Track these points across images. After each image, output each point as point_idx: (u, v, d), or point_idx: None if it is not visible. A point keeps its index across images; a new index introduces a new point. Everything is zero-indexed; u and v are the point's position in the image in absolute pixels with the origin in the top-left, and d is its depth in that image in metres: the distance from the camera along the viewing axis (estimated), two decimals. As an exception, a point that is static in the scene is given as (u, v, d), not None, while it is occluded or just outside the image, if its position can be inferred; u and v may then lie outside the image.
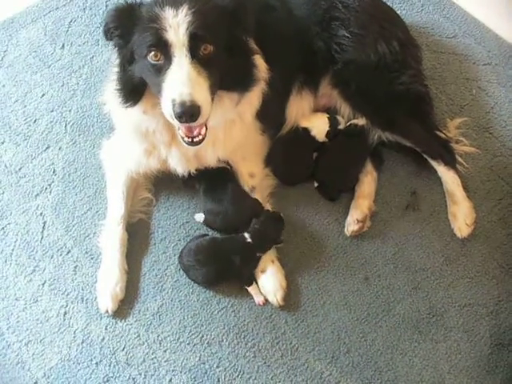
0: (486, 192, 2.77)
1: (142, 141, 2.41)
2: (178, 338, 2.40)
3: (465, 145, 2.82)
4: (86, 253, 2.57)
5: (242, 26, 2.10)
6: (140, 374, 2.33)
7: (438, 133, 2.74)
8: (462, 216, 2.64)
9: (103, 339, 2.39)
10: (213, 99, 2.05)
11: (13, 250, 2.58)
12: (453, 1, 3.36)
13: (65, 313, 2.44)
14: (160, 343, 2.39)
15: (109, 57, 3.02)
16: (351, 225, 2.61)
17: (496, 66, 3.14)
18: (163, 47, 1.96)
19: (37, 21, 3.23)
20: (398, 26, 2.77)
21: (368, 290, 2.53)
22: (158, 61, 1.99)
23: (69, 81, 3.03)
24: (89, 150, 2.82)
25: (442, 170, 2.70)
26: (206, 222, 2.59)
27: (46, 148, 2.83)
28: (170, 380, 2.33)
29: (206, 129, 2.14)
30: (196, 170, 2.52)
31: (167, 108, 1.98)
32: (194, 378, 2.33)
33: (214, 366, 2.35)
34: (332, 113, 2.77)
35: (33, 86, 3.02)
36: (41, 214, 2.66)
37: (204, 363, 2.36)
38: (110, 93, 2.29)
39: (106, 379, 2.32)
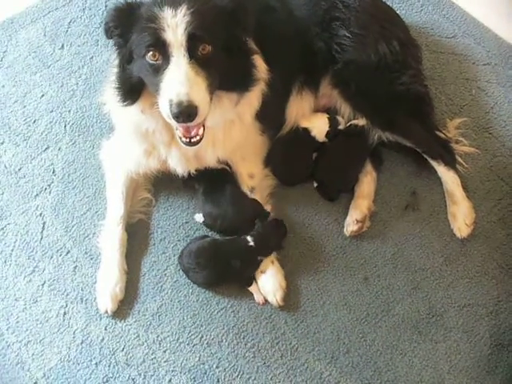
0: (485, 192, 2.77)
1: (142, 141, 2.41)
2: (178, 339, 2.40)
3: (464, 145, 2.83)
4: (86, 253, 2.57)
5: (242, 26, 2.10)
6: (139, 375, 2.33)
7: (437, 133, 2.74)
8: (461, 216, 2.64)
9: (103, 339, 2.39)
10: (211, 99, 2.05)
11: (12, 250, 2.58)
12: (452, 1, 3.36)
13: (64, 313, 2.44)
14: (159, 343, 2.39)
15: (108, 57, 3.02)
16: (351, 225, 2.61)
17: (495, 66, 3.14)
18: (161, 47, 1.96)
19: (36, 21, 3.23)
20: (399, 26, 2.77)
21: (367, 290, 2.53)
22: (156, 61, 1.99)
23: (68, 81, 3.03)
24: (88, 150, 2.82)
25: (441, 170, 2.71)
26: (205, 224, 2.59)
27: (46, 148, 2.83)
28: (170, 380, 2.33)
29: (204, 129, 2.14)
30: (196, 171, 2.52)
31: (165, 108, 1.98)
32: (194, 378, 2.33)
33: (214, 367, 2.35)
34: (332, 113, 2.77)
35: (32, 86, 3.02)
36: (40, 214, 2.66)
37: (203, 363, 2.36)
38: (109, 93, 2.29)
39: (105, 379, 2.32)
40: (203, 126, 2.13)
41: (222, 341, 2.40)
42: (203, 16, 1.97)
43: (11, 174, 2.76)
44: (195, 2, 1.98)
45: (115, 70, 2.23)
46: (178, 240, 2.60)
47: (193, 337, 2.40)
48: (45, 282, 2.51)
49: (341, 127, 2.74)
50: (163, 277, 2.52)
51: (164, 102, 1.98)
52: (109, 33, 2.12)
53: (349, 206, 2.67)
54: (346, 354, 2.40)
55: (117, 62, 2.20)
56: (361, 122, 2.69)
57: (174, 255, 2.55)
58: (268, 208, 2.59)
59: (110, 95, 2.29)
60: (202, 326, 2.42)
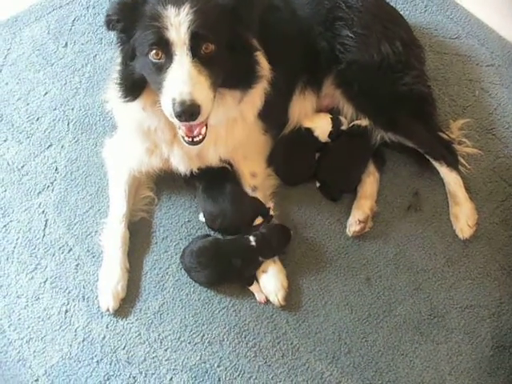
0: (488, 193, 2.77)
1: (144, 139, 2.41)
2: (179, 337, 2.40)
3: (467, 146, 2.82)
4: (88, 251, 2.57)
5: (245, 23, 2.09)
6: (141, 373, 2.33)
7: (440, 134, 2.73)
8: (464, 217, 2.64)
9: (104, 337, 2.39)
10: (214, 97, 2.05)
11: (15, 247, 2.58)
12: (456, 1, 3.35)
13: (66, 311, 2.45)
14: (161, 342, 2.39)
15: (112, 55, 3.03)
16: (353, 225, 2.61)
17: (499, 67, 3.13)
18: (164, 46, 1.96)
19: (40, 19, 3.23)
20: (402, 27, 2.76)
21: (369, 290, 2.52)
22: (159, 59, 1.99)
23: (72, 79, 3.04)
24: (91, 148, 2.82)
25: (444, 171, 2.70)
26: (206, 224, 2.59)
27: (49, 146, 2.84)
28: (171, 379, 2.33)
29: (207, 128, 2.14)
30: (198, 169, 2.51)
31: (167, 107, 1.98)
32: (195, 377, 2.33)
33: (215, 366, 2.35)
34: (335, 113, 2.77)
35: (36, 84, 3.02)
36: (43, 211, 2.66)
37: (205, 362, 2.36)
38: (112, 91, 2.29)
39: (106, 377, 2.32)
40: (206, 126, 2.13)
41: (224, 340, 2.40)
42: (206, 14, 1.97)
43: (14, 172, 2.77)
44: (198, 1, 1.97)
45: (118, 66, 2.22)
46: (180, 239, 2.60)
47: (194, 336, 2.40)
48: (47, 279, 2.51)
49: (343, 127, 2.73)
50: (165, 275, 2.52)
51: (167, 101, 1.97)
52: (110, 25, 2.10)
53: (351, 207, 2.67)
54: (348, 354, 2.40)
55: (120, 58, 2.20)
56: (363, 122, 2.69)
57: (176, 254, 2.55)
58: (270, 205, 2.58)
59: (112, 93, 2.29)
60: (203, 324, 2.42)
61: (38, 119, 2.91)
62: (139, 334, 2.40)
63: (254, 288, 2.46)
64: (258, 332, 2.42)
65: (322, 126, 2.72)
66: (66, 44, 3.15)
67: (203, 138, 2.14)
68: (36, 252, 2.57)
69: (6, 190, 2.72)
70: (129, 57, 2.11)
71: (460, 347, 2.43)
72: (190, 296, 2.48)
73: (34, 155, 2.81)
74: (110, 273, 2.46)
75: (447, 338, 2.44)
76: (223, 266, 2.42)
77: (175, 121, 2.01)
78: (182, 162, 2.45)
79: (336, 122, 2.72)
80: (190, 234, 2.60)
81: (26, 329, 2.41)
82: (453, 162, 2.70)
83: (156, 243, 2.60)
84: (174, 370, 2.34)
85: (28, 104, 2.96)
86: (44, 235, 2.61)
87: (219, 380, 2.33)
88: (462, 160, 2.74)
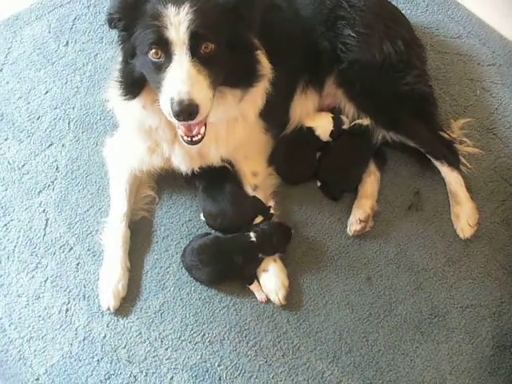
0: (489, 193, 2.76)
1: (145, 138, 2.41)
2: (180, 336, 2.40)
3: (468, 145, 2.82)
4: (89, 250, 2.57)
5: (246, 22, 2.08)
6: (141, 372, 2.33)
7: (441, 133, 2.73)
8: (464, 217, 2.64)
9: (105, 336, 2.39)
10: (213, 95, 2.04)
11: (15, 246, 2.58)
12: (457, 1, 3.35)
13: (67, 310, 2.45)
14: (161, 341, 2.39)
15: (112, 54, 3.04)
16: (354, 224, 2.61)
17: (500, 66, 3.13)
18: (164, 45, 1.95)
19: (41, 18, 3.23)
20: (403, 26, 2.76)
21: (370, 289, 2.52)
22: (158, 58, 1.98)
23: (72, 78, 3.03)
24: (92, 147, 2.82)
25: (445, 171, 2.70)
26: (207, 223, 2.59)
27: (50, 145, 2.84)
28: (172, 378, 2.33)
29: (206, 128, 2.14)
30: (199, 169, 2.51)
31: (166, 106, 1.98)
32: (196, 376, 2.33)
33: (216, 365, 2.35)
34: (336, 112, 2.77)
35: (36, 83, 3.02)
36: (43, 210, 2.66)
37: (205, 361, 2.36)
38: (113, 90, 2.28)
39: (107, 376, 2.32)
40: (205, 125, 2.13)
41: (224, 339, 2.40)
42: (206, 14, 1.96)
43: (15, 171, 2.77)
44: (198, 0, 1.96)
45: (119, 64, 2.22)
46: (181, 238, 2.60)
47: (195, 335, 2.40)
48: (47, 278, 2.51)
49: (345, 127, 2.73)
50: (166, 274, 2.52)
51: (165, 100, 1.97)
52: (111, 23, 2.09)
53: (352, 206, 2.67)
54: (348, 353, 2.40)
55: (120, 56, 2.20)
56: (365, 121, 2.69)
57: (177, 253, 2.55)
58: (271, 204, 2.58)
59: (113, 92, 2.29)
60: (204, 324, 2.42)
61: (38, 118, 2.91)
62: (140, 333, 2.40)
63: (254, 287, 2.46)
64: (259, 331, 2.42)
65: (323, 126, 2.72)
66: (67, 43, 3.15)
67: (202, 137, 2.14)
68: (37, 251, 2.57)
69: (6, 189, 2.72)
70: (129, 55, 2.11)
71: (461, 347, 2.43)
72: (190, 295, 2.48)
73: (35, 154, 2.81)
74: (111, 272, 2.46)
75: (448, 337, 2.44)
76: (224, 264, 2.43)
77: (174, 120, 2.01)
78: (183, 161, 2.45)
79: (337, 122, 2.72)
80: (190, 233, 2.60)
81: (26, 328, 2.41)
82: (454, 162, 2.70)
83: (157, 242, 2.60)
84: (174, 369, 2.34)
85: (29, 103, 2.96)
86: (45, 234, 2.61)
87: (220, 379, 2.33)
88: (463, 159, 2.74)
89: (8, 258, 2.55)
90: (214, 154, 2.46)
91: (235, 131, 2.42)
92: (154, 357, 2.36)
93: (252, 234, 2.43)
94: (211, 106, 2.04)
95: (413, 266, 2.58)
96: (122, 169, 2.60)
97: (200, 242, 2.46)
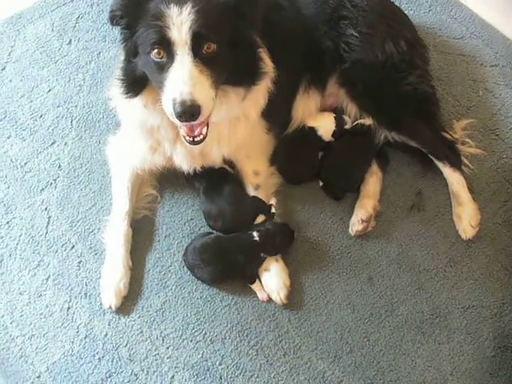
0: (491, 194, 2.76)
1: (147, 137, 2.41)
2: (181, 335, 2.40)
3: (471, 146, 2.82)
4: (90, 248, 2.57)
5: (248, 21, 2.08)
6: (142, 370, 2.33)
7: (444, 134, 2.73)
8: (466, 217, 2.64)
9: (106, 335, 2.39)
10: (216, 95, 2.03)
11: (17, 244, 2.58)
12: (461, 1, 3.35)
13: (68, 308, 2.45)
14: (163, 340, 2.39)
15: (115, 53, 3.03)
16: (356, 224, 2.61)
17: (503, 67, 3.13)
18: (166, 45, 1.95)
19: (44, 16, 3.24)
20: (406, 26, 2.76)
21: (372, 290, 2.52)
22: (160, 58, 1.98)
23: (75, 76, 3.04)
24: (94, 145, 2.82)
25: (447, 171, 2.70)
26: (208, 225, 2.58)
27: (52, 143, 2.84)
28: (173, 377, 2.33)
29: (208, 128, 2.13)
30: (201, 168, 2.51)
31: (168, 106, 1.97)
32: (197, 374, 2.33)
33: (217, 364, 2.35)
34: (339, 112, 2.77)
35: (39, 81, 3.02)
36: (46, 208, 2.67)
37: (206, 360, 2.36)
38: (115, 88, 2.29)
39: (108, 374, 2.33)
40: (207, 125, 2.13)
41: (226, 338, 2.40)
42: (208, 14, 1.96)
43: (17, 168, 2.77)
44: (200, 0, 1.96)
45: (121, 63, 2.22)
46: (183, 237, 2.60)
47: (196, 333, 2.40)
48: (49, 276, 2.51)
49: (347, 127, 2.73)
50: (167, 273, 2.52)
51: (167, 101, 1.97)
52: (114, 21, 2.09)
53: (354, 206, 2.67)
54: (349, 353, 2.40)
55: (123, 54, 2.19)
56: (367, 121, 2.69)
57: (179, 252, 2.55)
58: (273, 201, 2.58)
59: (116, 90, 2.29)
60: (205, 322, 2.42)
61: (41, 116, 2.92)
62: (141, 332, 2.40)
63: (256, 286, 2.46)
64: (260, 330, 2.42)
65: (325, 125, 2.72)
66: (70, 41, 3.15)
67: (204, 137, 2.14)
68: (39, 249, 2.57)
69: (9, 187, 2.72)
70: (131, 54, 2.11)
71: (462, 347, 2.43)
72: (192, 294, 2.48)
73: (38, 152, 2.81)
74: (113, 270, 2.46)
75: (449, 338, 2.44)
76: (226, 263, 2.42)
77: (176, 121, 2.01)
78: (185, 161, 2.45)
79: (339, 121, 2.72)
80: (192, 232, 2.60)
81: (28, 325, 2.41)
82: (456, 162, 2.70)
83: (159, 241, 2.60)
84: (175, 367, 2.34)
85: (31, 101, 2.96)
86: (47, 232, 2.61)
87: (221, 378, 2.33)
88: (465, 160, 2.74)
89: (10, 255, 2.56)
90: (216, 153, 2.46)
91: (237, 131, 2.42)
92: (155, 355, 2.36)
93: (255, 234, 2.43)
94: (213, 106, 2.04)
95: (414, 267, 2.58)
96: (124, 167, 2.60)
97: (202, 241, 2.46)
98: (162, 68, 1.98)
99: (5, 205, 2.67)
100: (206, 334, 2.40)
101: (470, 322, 2.47)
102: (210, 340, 2.39)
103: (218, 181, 2.58)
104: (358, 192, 2.71)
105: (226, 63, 2.06)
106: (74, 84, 3.01)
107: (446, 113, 2.91)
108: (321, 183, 2.72)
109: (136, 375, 2.33)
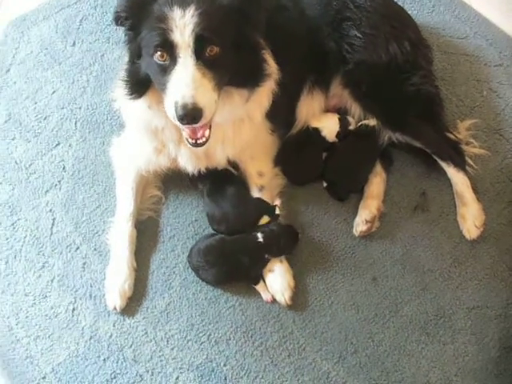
0: (495, 194, 2.76)
1: (152, 139, 2.41)
2: (186, 336, 2.41)
3: (475, 146, 2.81)
4: (95, 250, 2.58)
5: (252, 23, 2.08)
6: (147, 371, 2.34)
7: (448, 134, 2.73)
8: (471, 218, 2.63)
9: (111, 336, 2.40)
10: (219, 96, 2.04)
11: (22, 245, 2.59)
12: (464, 1, 3.34)
13: (73, 309, 2.46)
14: (167, 341, 2.40)
15: (119, 54, 3.04)
16: (360, 225, 2.61)
17: (507, 67, 3.12)
18: (169, 48, 1.95)
19: (48, 18, 3.24)
20: (410, 27, 2.76)
21: (376, 290, 2.52)
22: (163, 61, 1.98)
23: (79, 78, 3.04)
24: (99, 147, 2.83)
25: (451, 172, 2.69)
26: (212, 228, 2.59)
27: (56, 145, 2.85)
28: (177, 378, 2.33)
29: (210, 130, 2.14)
30: (206, 169, 2.52)
31: (170, 109, 1.98)
32: (201, 376, 2.34)
33: (221, 365, 2.36)
34: (342, 113, 2.76)
35: (44, 83, 3.03)
36: (50, 210, 2.67)
37: (211, 361, 2.36)
38: (120, 90, 2.29)
39: (113, 375, 2.33)
40: (209, 128, 2.13)
41: (230, 339, 2.40)
42: (211, 16, 1.95)
43: (22, 170, 2.78)
44: (204, 2, 1.96)
45: (125, 64, 2.23)
46: (188, 238, 2.60)
47: (201, 334, 2.41)
48: (54, 277, 2.52)
49: (351, 127, 2.73)
50: (172, 274, 2.53)
51: (170, 104, 1.97)
52: (118, 22, 2.09)
53: (358, 206, 2.67)
54: (354, 354, 2.40)
55: (127, 55, 2.20)
56: (371, 122, 2.69)
57: (183, 253, 2.56)
58: (277, 202, 2.58)
59: (120, 92, 2.29)
60: (210, 323, 2.43)
61: (45, 118, 2.92)
62: (146, 333, 2.41)
63: (260, 287, 2.46)
64: (265, 331, 2.42)
65: (329, 126, 2.72)
66: (74, 43, 3.16)
67: (207, 140, 2.14)
68: (43, 250, 2.58)
69: (13, 189, 2.73)
70: (135, 55, 2.11)
71: (466, 348, 2.42)
72: (196, 295, 2.48)
73: (42, 154, 2.82)
74: (117, 271, 2.46)
75: (454, 338, 2.44)
76: (230, 265, 2.43)
77: (178, 123, 2.01)
78: (189, 162, 2.45)
79: (343, 122, 2.72)
80: (197, 233, 2.61)
81: (33, 327, 2.42)
82: (460, 163, 2.69)
83: (163, 242, 2.60)
84: (180, 368, 2.35)
85: (36, 103, 2.97)
86: (51, 234, 2.62)
87: (225, 379, 2.33)
88: (469, 160, 2.73)
89: (15, 257, 2.57)
90: (220, 154, 2.46)
91: (241, 132, 2.42)
92: (159, 356, 2.37)
93: (259, 235, 2.43)
94: (216, 109, 2.04)
95: (419, 267, 2.58)
96: (128, 169, 2.61)
97: (206, 242, 2.46)
98: (165, 70, 1.98)
99: (10, 206, 2.68)
100: (210, 335, 2.41)
101: (474, 322, 2.47)
102: (215, 341, 2.40)
103: (221, 182, 2.58)
104: (361, 193, 2.71)
105: (229, 65, 2.06)
106: (78, 86, 3.02)
107: (449, 113, 2.91)
108: (325, 184, 2.71)
109: (141, 376, 2.33)
